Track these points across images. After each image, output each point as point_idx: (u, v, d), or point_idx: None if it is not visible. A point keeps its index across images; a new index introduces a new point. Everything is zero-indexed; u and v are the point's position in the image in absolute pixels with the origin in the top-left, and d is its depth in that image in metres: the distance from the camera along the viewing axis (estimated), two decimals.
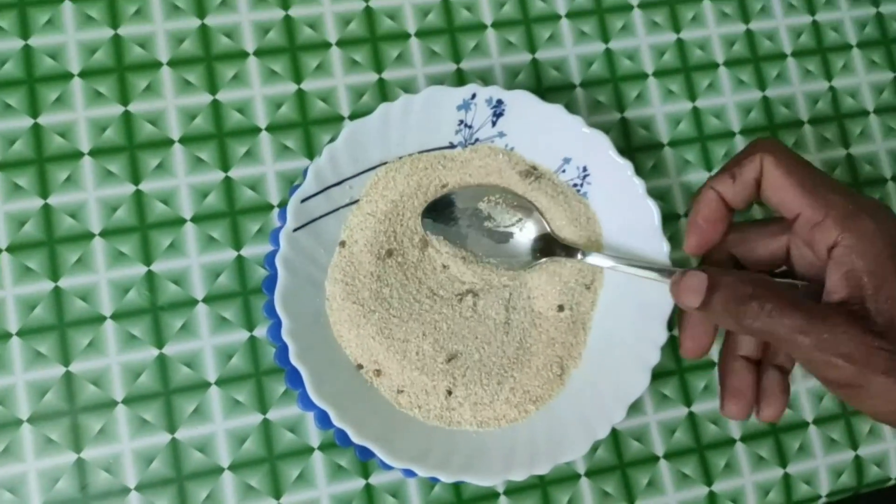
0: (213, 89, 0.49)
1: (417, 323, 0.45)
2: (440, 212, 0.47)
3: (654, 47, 0.53)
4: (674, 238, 0.51)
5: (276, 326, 0.44)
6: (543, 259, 0.46)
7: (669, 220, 0.51)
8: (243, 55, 0.49)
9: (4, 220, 0.46)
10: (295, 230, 0.44)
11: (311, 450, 0.46)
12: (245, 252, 0.47)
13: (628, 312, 0.46)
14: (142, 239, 0.47)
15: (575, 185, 0.48)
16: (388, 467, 0.44)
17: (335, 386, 0.43)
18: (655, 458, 0.49)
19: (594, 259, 0.45)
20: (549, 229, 0.47)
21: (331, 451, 0.46)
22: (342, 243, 0.46)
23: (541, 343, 0.46)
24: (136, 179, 0.47)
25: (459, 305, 0.46)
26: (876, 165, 0.54)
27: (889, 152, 0.54)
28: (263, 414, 0.46)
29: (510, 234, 0.47)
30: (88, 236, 0.46)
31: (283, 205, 0.48)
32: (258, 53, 0.50)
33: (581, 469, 0.48)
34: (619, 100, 0.52)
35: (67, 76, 0.48)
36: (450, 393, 0.45)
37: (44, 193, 0.46)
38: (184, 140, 0.48)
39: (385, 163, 0.46)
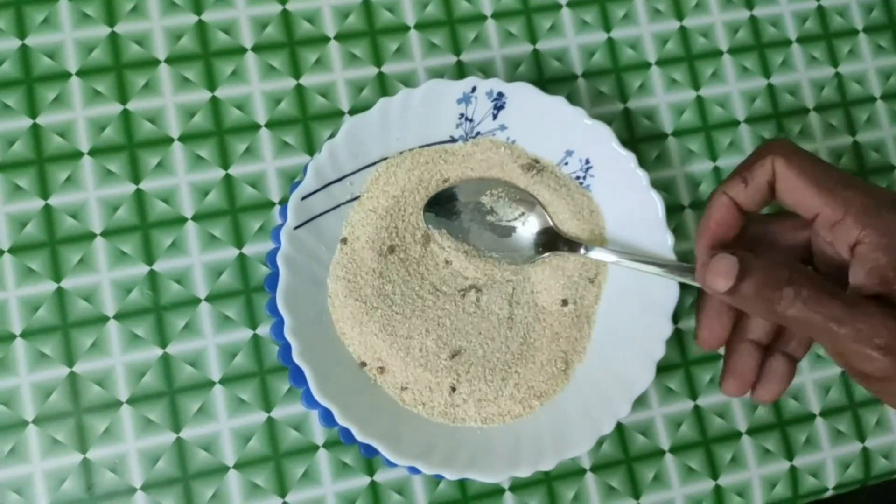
0: (211, 86, 0.48)
1: (420, 319, 0.45)
2: (442, 206, 0.47)
3: (656, 35, 0.53)
4: (678, 230, 0.50)
5: (279, 325, 0.44)
6: (546, 253, 0.46)
7: (673, 212, 0.51)
8: (241, 51, 0.49)
9: (6, 222, 0.46)
10: (296, 228, 0.43)
11: (315, 448, 0.46)
12: (247, 250, 0.47)
13: (633, 306, 0.46)
14: (143, 238, 0.47)
15: (577, 177, 0.47)
16: (393, 464, 0.44)
17: (339, 384, 0.43)
18: (661, 452, 0.49)
19: (597, 254, 0.45)
20: (551, 223, 0.47)
21: (335, 448, 0.46)
22: (344, 240, 0.46)
23: (545, 338, 0.46)
24: (136, 178, 0.47)
25: (462, 301, 0.46)
26: (883, 153, 0.54)
27: None
28: (268, 412, 0.46)
29: (513, 229, 0.47)
30: (90, 236, 0.46)
31: (284, 202, 0.48)
32: (256, 49, 0.49)
33: (586, 464, 0.48)
34: (621, 90, 0.52)
35: (65, 75, 0.47)
36: (454, 389, 0.45)
37: (44, 194, 0.46)
38: (183, 138, 0.48)
39: (385, 158, 0.46)
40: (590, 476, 0.48)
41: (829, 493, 0.50)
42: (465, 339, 0.46)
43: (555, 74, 0.51)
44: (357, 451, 0.46)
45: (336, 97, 0.49)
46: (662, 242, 0.45)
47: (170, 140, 0.48)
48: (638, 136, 0.51)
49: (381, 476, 0.46)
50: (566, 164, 0.47)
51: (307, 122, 0.49)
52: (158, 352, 0.46)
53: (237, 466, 0.46)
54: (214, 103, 0.48)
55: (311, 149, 0.49)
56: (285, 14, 0.50)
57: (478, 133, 0.47)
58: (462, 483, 0.47)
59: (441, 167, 0.47)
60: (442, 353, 0.45)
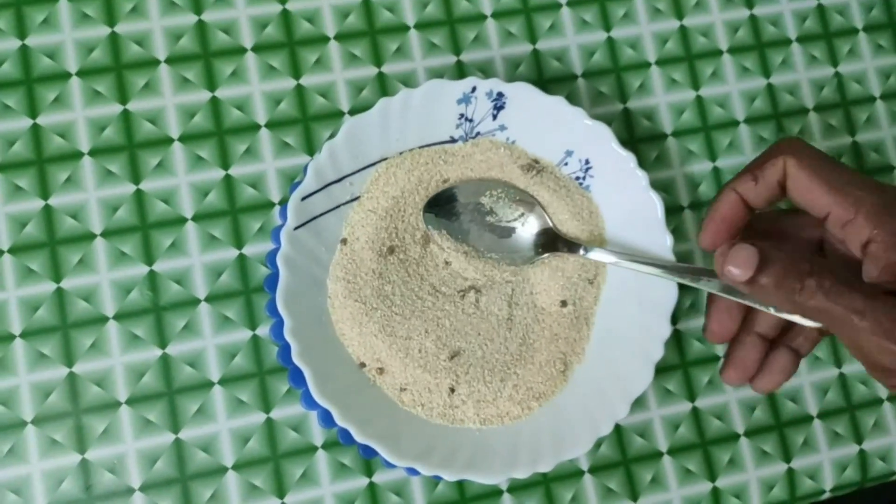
0: (211, 86, 0.48)
1: (420, 320, 0.45)
2: (442, 207, 0.47)
3: (656, 35, 0.53)
4: (677, 230, 0.50)
5: (279, 325, 0.44)
6: (546, 254, 0.46)
7: (673, 213, 0.51)
8: (241, 51, 0.49)
9: (6, 222, 0.46)
10: (296, 228, 0.43)
11: (314, 449, 0.46)
12: (247, 250, 0.47)
13: (632, 307, 0.46)
14: (143, 239, 0.47)
15: (577, 178, 0.47)
16: (392, 466, 0.44)
17: (338, 385, 0.43)
18: (659, 454, 0.49)
19: (597, 255, 0.45)
20: (551, 224, 0.47)
21: (334, 449, 0.46)
22: (343, 241, 0.46)
23: (544, 339, 0.46)
24: (136, 179, 0.47)
25: (462, 302, 0.46)
26: (882, 153, 0.54)
27: None
28: (267, 413, 0.46)
29: (512, 229, 0.47)
30: (90, 237, 0.46)
31: (283, 202, 0.48)
32: (256, 49, 0.49)
33: (584, 466, 0.48)
34: (621, 90, 0.52)
35: (65, 75, 0.47)
36: (453, 390, 0.45)
37: (44, 194, 0.46)
38: (183, 138, 0.48)
39: (385, 158, 0.46)
40: (588, 477, 0.48)
41: (827, 496, 0.50)
42: (465, 340, 0.46)
43: (554, 74, 0.51)
44: (356, 452, 0.46)
45: (336, 97, 0.49)
46: (662, 243, 0.45)
47: (170, 140, 0.48)
48: (637, 137, 0.51)
49: (380, 477, 0.47)
50: (566, 164, 0.47)
51: (307, 122, 0.49)
52: (158, 352, 0.46)
53: (236, 467, 0.46)
54: (214, 103, 0.48)
55: (311, 149, 0.49)
56: (285, 14, 0.50)
57: (477, 133, 0.47)
58: (460, 484, 0.47)
59: (441, 168, 0.47)
60: (441, 354, 0.45)
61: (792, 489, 0.49)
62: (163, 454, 0.45)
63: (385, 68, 0.50)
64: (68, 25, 0.48)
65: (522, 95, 0.46)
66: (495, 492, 0.47)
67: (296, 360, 0.42)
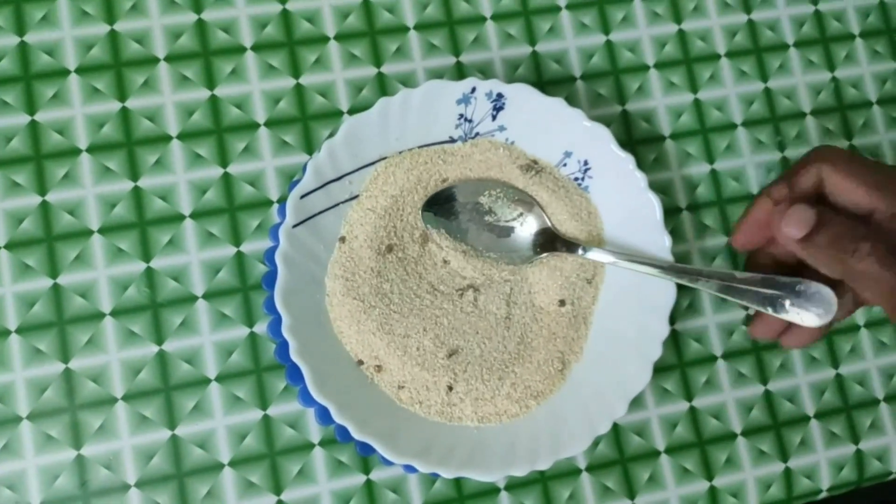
0: (210, 85, 0.49)
1: (418, 318, 0.45)
2: (441, 206, 0.47)
3: (655, 38, 0.53)
4: (675, 231, 0.51)
5: (277, 323, 0.44)
6: (544, 254, 0.46)
7: (671, 214, 0.51)
8: (241, 50, 0.49)
9: (3, 218, 0.46)
10: (294, 226, 0.43)
11: (311, 446, 0.46)
12: (245, 248, 0.47)
13: (630, 307, 0.46)
14: (141, 235, 0.47)
15: (576, 178, 0.47)
16: (389, 463, 0.44)
17: (336, 382, 0.43)
18: (656, 453, 0.49)
19: (595, 255, 0.45)
20: (549, 224, 0.47)
21: (331, 447, 0.46)
22: (342, 239, 0.46)
23: (542, 338, 0.46)
24: (134, 176, 0.47)
25: (460, 300, 0.46)
26: (879, 157, 0.54)
27: (892, 143, 0.54)
28: (264, 410, 0.46)
29: (511, 229, 0.47)
30: (87, 233, 0.46)
31: (282, 200, 0.48)
32: (256, 48, 0.49)
33: (582, 464, 0.48)
34: (620, 92, 0.52)
35: (64, 72, 0.47)
36: (451, 388, 0.45)
37: (42, 190, 0.46)
38: (182, 136, 0.48)
39: (384, 158, 0.46)
40: (585, 476, 0.48)
41: (823, 495, 0.50)
42: (463, 339, 0.46)
43: (554, 76, 0.51)
44: (353, 450, 0.46)
45: (335, 97, 0.49)
46: (660, 244, 0.45)
47: (168, 138, 0.48)
48: (636, 138, 0.52)
49: (377, 474, 0.46)
50: (565, 165, 0.47)
51: (306, 121, 0.49)
52: (154, 349, 0.46)
53: (232, 464, 0.45)
54: (214, 102, 0.48)
55: (310, 148, 0.49)
56: (285, 14, 0.50)
57: (477, 134, 0.47)
58: (458, 482, 0.47)
59: (440, 167, 0.47)
60: (439, 353, 0.45)
61: (789, 488, 0.49)
62: (159, 450, 0.45)
63: (385, 68, 0.50)
64: (68, 22, 0.48)
65: (522, 96, 0.46)
66: (493, 489, 0.47)
67: (294, 357, 0.42)
